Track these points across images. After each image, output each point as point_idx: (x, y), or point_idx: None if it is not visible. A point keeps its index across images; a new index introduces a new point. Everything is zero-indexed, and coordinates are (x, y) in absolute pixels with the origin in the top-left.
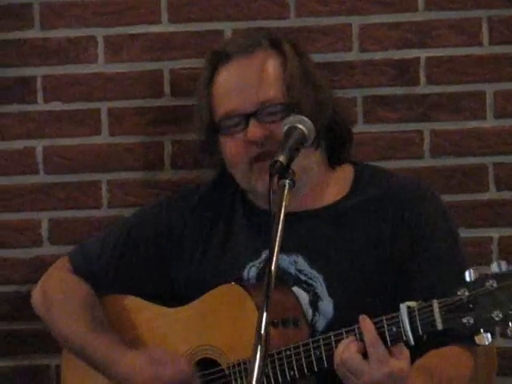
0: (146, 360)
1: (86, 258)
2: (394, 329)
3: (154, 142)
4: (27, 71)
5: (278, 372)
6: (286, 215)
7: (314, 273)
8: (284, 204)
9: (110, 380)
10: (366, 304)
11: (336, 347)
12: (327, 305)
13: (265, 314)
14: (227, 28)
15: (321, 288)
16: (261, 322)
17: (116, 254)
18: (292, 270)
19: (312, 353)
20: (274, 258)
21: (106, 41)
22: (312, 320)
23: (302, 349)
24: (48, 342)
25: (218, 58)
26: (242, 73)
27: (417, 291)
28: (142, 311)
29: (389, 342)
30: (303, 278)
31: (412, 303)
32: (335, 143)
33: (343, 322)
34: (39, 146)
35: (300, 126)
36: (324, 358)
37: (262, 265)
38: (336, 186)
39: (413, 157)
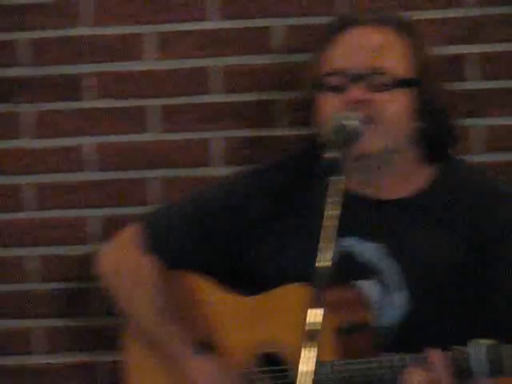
0: (205, 380)
1: (158, 230)
2: (466, 366)
3: (203, 139)
4: (78, 68)
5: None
6: (369, 202)
7: (394, 263)
8: (335, 200)
9: (169, 371)
10: (440, 300)
11: (401, 372)
12: (401, 297)
13: (315, 311)
14: (278, 24)
15: (397, 279)
16: (311, 320)
17: (190, 227)
18: (366, 259)
19: (375, 372)
20: (325, 255)
21: (157, 38)
22: (383, 312)
23: (364, 366)
24: (106, 338)
25: (347, 21)
26: (369, 36)
27: (494, 299)
28: (209, 293)
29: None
30: (376, 267)
31: (488, 341)
32: (435, 139)
33: (415, 315)
34: (90, 143)
35: (350, 123)
36: (386, 379)
37: (339, 253)
38: (423, 178)
39: (464, 152)
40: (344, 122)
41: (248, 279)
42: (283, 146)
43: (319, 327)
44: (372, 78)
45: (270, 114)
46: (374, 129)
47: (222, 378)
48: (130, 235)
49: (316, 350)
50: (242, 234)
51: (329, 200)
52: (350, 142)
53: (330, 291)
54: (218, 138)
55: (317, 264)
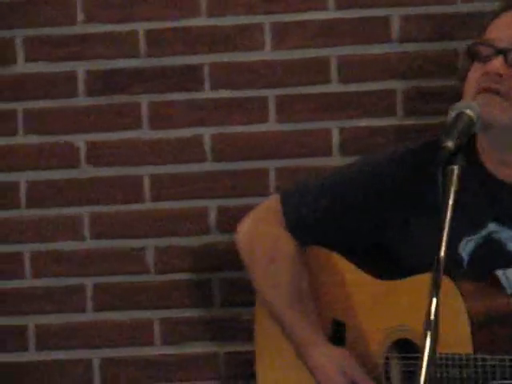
0: (336, 368)
1: (300, 203)
2: None
3: (321, 129)
4: (195, 59)
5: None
6: (510, 189)
7: None
8: (454, 190)
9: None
10: None
11: None
12: None
13: (434, 300)
14: (394, 14)
15: None
16: (432, 309)
17: (336, 203)
18: (511, 247)
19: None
20: (443, 246)
21: (272, 28)
22: None
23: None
24: (230, 329)
25: (508, 6)
26: None
27: None
28: (345, 272)
29: None
30: None
31: None
32: None
33: None
34: (207, 133)
35: (468, 112)
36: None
37: (481, 240)
38: None
39: None
40: (464, 110)
41: (379, 261)
42: (401, 135)
43: (435, 316)
44: None
45: (388, 103)
46: (501, 102)
47: (345, 372)
48: (268, 210)
49: (431, 339)
50: (376, 217)
51: (447, 189)
52: (469, 131)
53: (472, 280)
54: (336, 128)
55: (438, 253)
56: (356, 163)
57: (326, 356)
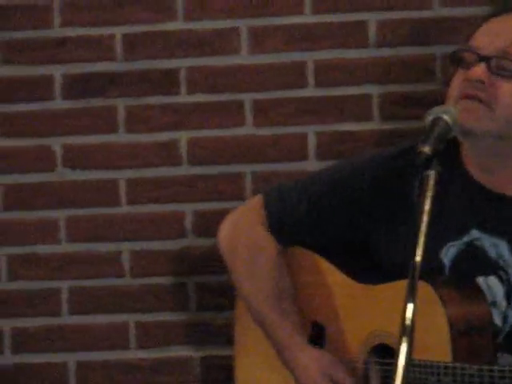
0: (318, 369)
1: (282, 205)
2: None
3: (298, 133)
4: (172, 63)
5: None
6: (493, 195)
7: None
8: (430, 195)
9: (279, 358)
10: None
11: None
12: None
13: (410, 305)
14: (371, 19)
15: None
16: (407, 313)
17: (317, 205)
18: (493, 254)
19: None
20: (419, 251)
21: (249, 32)
22: (505, 312)
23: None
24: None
25: (495, 11)
26: (506, 24)
27: None
28: (326, 274)
29: None
30: (502, 263)
31: None
32: None
33: None
34: (183, 137)
35: (444, 117)
36: None
37: (463, 247)
38: None
39: None
40: (440, 115)
41: (361, 265)
42: (378, 140)
43: (411, 322)
44: (495, 61)
45: (364, 108)
46: (481, 109)
47: (326, 373)
48: (250, 211)
49: (407, 344)
50: (357, 219)
51: (423, 194)
52: (445, 136)
53: (454, 287)
54: (312, 132)
55: (414, 258)
56: (337, 166)
57: (308, 357)
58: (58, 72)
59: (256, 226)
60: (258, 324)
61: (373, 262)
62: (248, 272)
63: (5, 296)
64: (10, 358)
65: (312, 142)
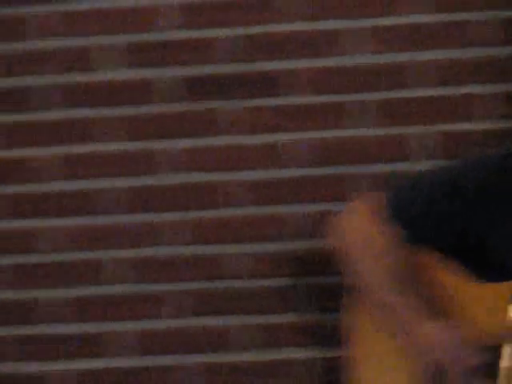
0: (451, 338)
1: (402, 203)
2: None
3: (401, 134)
4: (274, 65)
5: None
6: None
7: None
8: None
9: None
10: None
11: None
12: None
13: None
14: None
15: None
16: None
17: (436, 205)
18: None
19: None
20: None
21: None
22: None
23: None
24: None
25: None
26: None
27: None
28: (443, 273)
29: None
30: None
31: None
32: None
33: None
34: (281, 139)
35: None
36: None
37: None
38: None
39: None
40: None
41: (476, 266)
42: (481, 140)
43: None
44: None
45: (469, 108)
46: None
47: (458, 345)
48: (367, 205)
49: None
50: (472, 222)
51: None
52: None
53: None
54: (414, 133)
55: None
56: (450, 167)
57: (440, 328)
58: (164, 75)
59: (374, 219)
60: (380, 307)
61: (494, 263)
62: (365, 257)
63: None
64: None
65: (414, 143)
